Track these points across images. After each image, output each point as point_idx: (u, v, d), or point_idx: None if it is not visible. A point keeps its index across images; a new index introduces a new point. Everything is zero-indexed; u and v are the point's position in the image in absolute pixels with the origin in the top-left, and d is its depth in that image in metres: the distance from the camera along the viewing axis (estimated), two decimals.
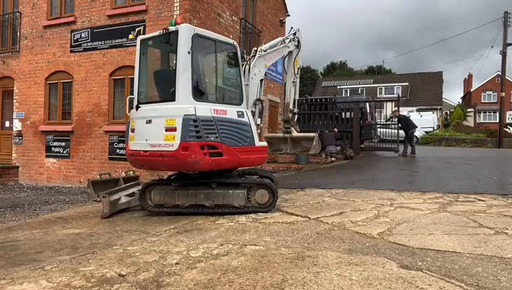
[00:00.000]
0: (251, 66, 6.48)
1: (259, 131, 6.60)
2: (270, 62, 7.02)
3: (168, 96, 5.54)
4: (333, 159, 13.46)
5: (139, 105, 5.75)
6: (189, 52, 5.34)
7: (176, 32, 5.43)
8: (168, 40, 5.51)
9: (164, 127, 5.29)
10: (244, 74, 6.41)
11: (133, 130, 5.79)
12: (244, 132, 5.82)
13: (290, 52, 7.61)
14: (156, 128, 5.41)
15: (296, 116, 8.35)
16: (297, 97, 8.26)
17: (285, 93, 7.79)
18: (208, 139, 5.28)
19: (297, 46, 7.74)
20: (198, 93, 5.49)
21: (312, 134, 8.39)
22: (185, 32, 5.39)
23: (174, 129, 5.19)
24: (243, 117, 5.89)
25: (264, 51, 6.81)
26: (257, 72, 6.52)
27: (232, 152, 5.56)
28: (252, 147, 5.93)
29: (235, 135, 5.67)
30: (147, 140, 5.49)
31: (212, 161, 5.34)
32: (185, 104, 5.26)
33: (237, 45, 6.11)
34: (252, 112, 6.25)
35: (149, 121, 5.52)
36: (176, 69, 5.42)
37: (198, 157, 5.20)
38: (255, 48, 6.83)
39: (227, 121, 5.62)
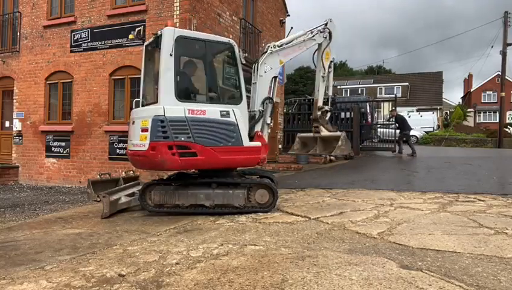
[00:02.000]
0: (260, 63, 6.30)
1: (269, 130, 6.47)
2: (287, 58, 6.63)
3: (154, 98, 5.77)
4: (333, 159, 13.46)
5: (132, 107, 6.09)
6: (171, 55, 5.46)
7: (161, 36, 5.60)
8: (157, 44, 5.66)
9: (140, 127, 5.56)
10: (254, 72, 6.33)
11: None
12: (227, 132, 5.64)
13: (319, 45, 7.02)
14: (136, 129, 5.71)
15: (329, 114, 7.64)
16: (330, 93, 7.58)
17: (314, 90, 7.16)
18: (178, 139, 5.35)
19: (328, 38, 7.11)
20: (183, 94, 5.61)
21: (339, 133, 7.52)
22: (167, 35, 5.53)
23: (147, 130, 5.40)
24: (228, 117, 5.67)
25: (279, 46, 6.45)
26: (268, 69, 6.30)
27: (209, 152, 5.47)
28: (239, 147, 5.71)
29: (214, 135, 5.55)
30: (131, 140, 5.86)
31: (182, 161, 5.38)
32: (166, 105, 5.40)
33: (234, 44, 6.03)
34: (259, 111, 6.19)
35: (133, 122, 5.85)
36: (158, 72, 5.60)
37: (165, 157, 5.32)
38: (268, 44, 6.53)
39: (205, 120, 5.51)
